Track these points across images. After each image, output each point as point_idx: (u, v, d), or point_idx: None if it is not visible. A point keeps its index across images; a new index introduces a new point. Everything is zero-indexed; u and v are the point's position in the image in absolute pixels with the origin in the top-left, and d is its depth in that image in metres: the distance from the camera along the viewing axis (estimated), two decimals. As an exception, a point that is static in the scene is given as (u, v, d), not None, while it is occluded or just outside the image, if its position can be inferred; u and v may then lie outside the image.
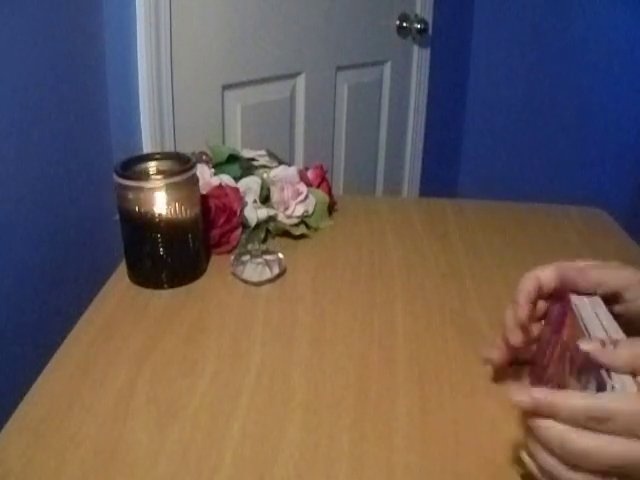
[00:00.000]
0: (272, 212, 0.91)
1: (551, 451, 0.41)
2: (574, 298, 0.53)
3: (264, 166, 0.97)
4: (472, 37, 2.28)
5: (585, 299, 0.52)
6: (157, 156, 0.82)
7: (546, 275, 0.55)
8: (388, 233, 0.96)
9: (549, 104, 2.27)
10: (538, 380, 0.52)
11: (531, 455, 0.44)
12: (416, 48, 1.82)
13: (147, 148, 1.24)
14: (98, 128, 1.17)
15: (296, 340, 0.69)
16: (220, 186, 0.86)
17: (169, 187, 0.75)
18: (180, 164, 0.79)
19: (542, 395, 0.42)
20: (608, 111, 2.22)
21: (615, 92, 2.19)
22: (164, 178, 0.75)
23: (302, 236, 0.92)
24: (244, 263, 0.80)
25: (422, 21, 1.73)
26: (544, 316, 0.57)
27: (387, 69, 1.77)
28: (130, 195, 0.75)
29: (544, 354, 0.53)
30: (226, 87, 1.37)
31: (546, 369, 0.51)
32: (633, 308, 0.53)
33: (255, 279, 0.79)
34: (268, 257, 0.81)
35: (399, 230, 0.97)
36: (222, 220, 0.85)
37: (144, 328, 0.70)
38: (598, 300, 0.52)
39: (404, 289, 0.80)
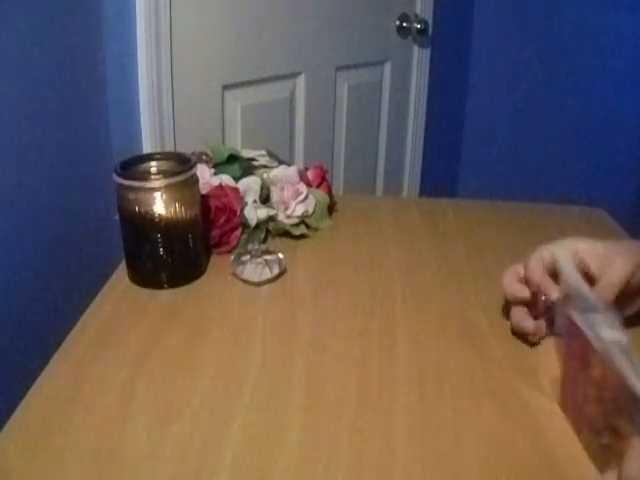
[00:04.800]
0: (272, 212, 0.91)
1: None
2: (585, 329, 0.52)
3: (264, 166, 0.97)
4: (472, 37, 2.28)
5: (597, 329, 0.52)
6: (157, 156, 0.82)
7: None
8: (388, 233, 0.96)
9: (549, 104, 2.27)
10: (577, 417, 0.54)
11: None
12: (416, 48, 1.82)
13: (147, 148, 1.24)
14: (98, 128, 1.17)
15: (296, 340, 0.69)
16: (220, 186, 0.86)
17: (169, 187, 0.75)
18: (180, 164, 0.79)
19: None
20: (608, 111, 2.22)
21: (615, 92, 2.19)
22: (164, 178, 0.75)
23: (302, 236, 0.92)
24: (244, 263, 0.80)
25: (422, 21, 1.73)
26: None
27: (387, 69, 1.77)
28: (130, 195, 0.75)
29: (574, 390, 0.54)
30: (226, 87, 1.37)
31: (582, 408, 0.52)
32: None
33: (255, 279, 0.79)
34: (268, 257, 0.81)
35: (399, 230, 0.97)
36: (222, 220, 0.85)
37: (144, 328, 0.70)
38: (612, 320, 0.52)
39: (404, 289, 0.80)
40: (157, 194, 0.75)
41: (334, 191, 1.03)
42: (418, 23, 1.73)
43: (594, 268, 0.61)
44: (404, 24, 1.73)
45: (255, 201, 0.90)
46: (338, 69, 1.62)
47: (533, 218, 1.02)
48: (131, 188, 0.75)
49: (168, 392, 0.60)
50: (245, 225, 0.88)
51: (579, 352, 0.53)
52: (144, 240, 0.77)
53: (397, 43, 1.76)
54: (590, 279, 0.61)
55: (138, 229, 0.77)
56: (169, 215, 0.76)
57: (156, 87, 1.22)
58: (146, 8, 1.15)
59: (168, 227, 0.77)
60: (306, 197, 0.93)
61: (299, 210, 0.92)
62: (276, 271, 0.80)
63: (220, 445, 0.53)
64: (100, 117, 1.17)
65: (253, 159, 0.98)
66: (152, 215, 0.75)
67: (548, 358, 0.66)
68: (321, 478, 0.50)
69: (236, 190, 0.88)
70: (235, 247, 0.87)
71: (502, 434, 0.55)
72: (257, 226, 0.89)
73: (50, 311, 1.04)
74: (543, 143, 2.33)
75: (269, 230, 0.91)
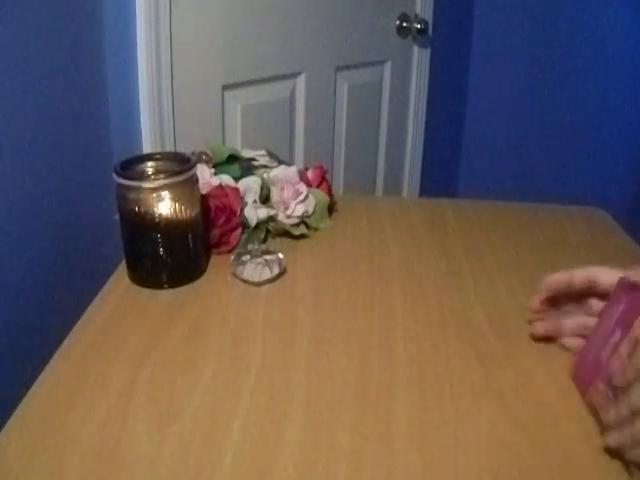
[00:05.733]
0: (272, 212, 0.91)
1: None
2: None
3: (264, 166, 0.97)
4: (472, 37, 2.28)
5: None
6: (157, 156, 0.82)
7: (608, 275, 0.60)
8: (388, 233, 0.96)
9: (549, 104, 2.27)
10: (594, 375, 0.55)
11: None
12: (416, 48, 1.82)
13: (147, 148, 1.24)
14: (98, 128, 1.17)
15: (296, 340, 0.69)
16: (220, 186, 0.86)
17: (169, 187, 0.75)
18: (180, 164, 0.79)
19: None
20: (608, 111, 2.22)
21: (615, 91, 2.19)
22: (164, 178, 0.75)
23: (302, 236, 0.92)
24: (244, 263, 0.80)
25: (422, 21, 1.73)
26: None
27: (387, 69, 1.77)
28: (130, 195, 0.75)
29: (599, 355, 0.56)
30: (226, 87, 1.37)
31: (604, 366, 0.54)
32: None
33: (255, 279, 0.79)
34: (268, 257, 0.81)
35: (399, 230, 0.97)
36: (222, 220, 0.85)
37: (144, 328, 0.70)
38: None
39: (404, 289, 0.80)
40: (157, 194, 0.75)
41: (334, 191, 1.03)
42: (418, 23, 1.73)
43: None
44: (404, 24, 1.73)
45: (255, 201, 0.90)
46: (338, 69, 1.62)
47: (533, 218, 1.02)
48: (131, 188, 0.75)
49: (168, 392, 0.60)
50: (245, 225, 0.88)
51: (624, 318, 0.54)
52: (144, 240, 0.78)
53: (397, 43, 1.76)
54: None
55: (138, 229, 0.77)
56: (169, 215, 0.76)
57: (156, 87, 1.22)
58: (146, 8, 1.15)
59: (168, 227, 0.77)
60: (306, 197, 0.93)
61: (299, 210, 0.92)
62: (276, 271, 0.80)
63: (220, 445, 0.53)
64: (100, 117, 1.17)
65: (253, 159, 0.98)
66: (152, 215, 0.76)
67: (548, 358, 0.66)
68: (321, 478, 0.50)
69: (236, 190, 0.88)
70: (235, 247, 0.87)
71: (502, 434, 0.55)
72: (257, 226, 0.89)
73: (50, 311, 1.04)
74: (543, 143, 2.33)
75: (269, 230, 0.91)
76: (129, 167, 0.78)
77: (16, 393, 0.60)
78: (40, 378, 0.62)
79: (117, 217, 0.78)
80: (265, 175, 0.94)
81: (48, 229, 1.04)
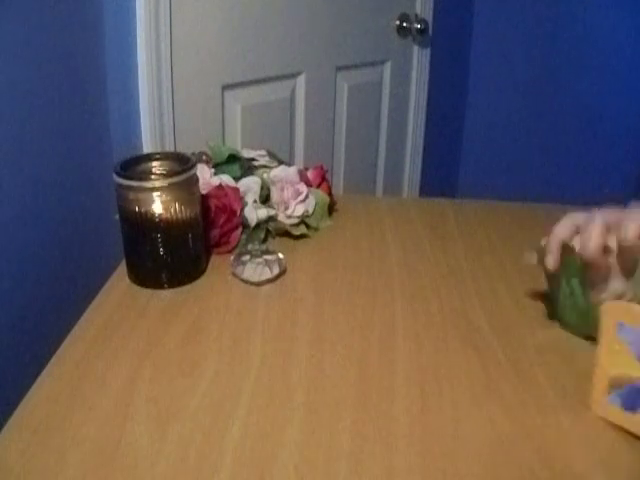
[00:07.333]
0: (272, 212, 0.91)
1: None
2: None
3: (264, 166, 0.97)
4: (472, 37, 2.28)
5: None
6: (157, 156, 0.82)
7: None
8: (388, 233, 0.96)
9: (549, 104, 2.27)
10: None
11: None
12: (416, 48, 1.82)
13: (147, 148, 1.24)
14: (98, 128, 1.17)
15: (296, 340, 0.69)
16: (220, 186, 0.86)
17: (169, 187, 0.75)
18: (180, 164, 0.79)
19: None
20: (608, 111, 2.22)
21: (615, 92, 2.19)
22: (164, 178, 0.75)
23: (302, 236, 0.92)
24: (244, 263, 0.80)
25: (422, 21, 1.73)
26: None
27: (387, 69, 1.77)
28: (130, 195, 0.75)
29: None
30: (226, 87, 1.37)
31: None
32: None
33: (255, 279, 0.79)
34: (268, 257, 0.81)
35: (399, 230, 0.97)
36: (222, 220, 0.85)
37: (144, 328, 0.70)
38: None
39: (404, 289, 0.80)
40: (157, 194, 0.75)
41: (334, 191, 1.03)
42: (418, 23, 1.73)
43: None
44: (404, 24, 1.73)
45: (255, 201, 0.90)
46: (338, 69, 1.62)
47: (533, 218, 1.02)
48: (131, 188, 0.75)
49: (168, 392, 0.60)
50: (245, 225, 0.88)
51: None
52: (144, 240, 0.78)
53: (397, 43, 1.76)
54: None
55: (138, 229, 0.77)
56: (169, 215, 0.76)
57: (156, 87, 1.22)
58: (146, 8, 1.15)
59: (168, 227, 0.77)
60: (306, 197, 0.93)
61: (299, 210, 0.92)
62: (276, 271, 0.80)
63: (220, 445, 0.53)
64: (100, 117, 1.18)
65: (253, 159, 0.98)
66: (152, 215, 0.76)
67: (550, 358, 0.66)
68: (321, 478, 0.50)
69: (236, 190, 0.88)
70: (235, 247, 0.87)
71: (502, 434, 0.55)
72: (257, 226, 0.89)
73: (50, 311, 1.04)
74: (543, 143, 2.33)
75: (269, 230, 0.91)
76: (129, 167, 0.78)
77: (16, 393, 0.60)
78: (40, 378, 0.62)
79: (117, 217, 0.79)
80: (265, 175, 0.94)
81: (48, 229, 1.04)
